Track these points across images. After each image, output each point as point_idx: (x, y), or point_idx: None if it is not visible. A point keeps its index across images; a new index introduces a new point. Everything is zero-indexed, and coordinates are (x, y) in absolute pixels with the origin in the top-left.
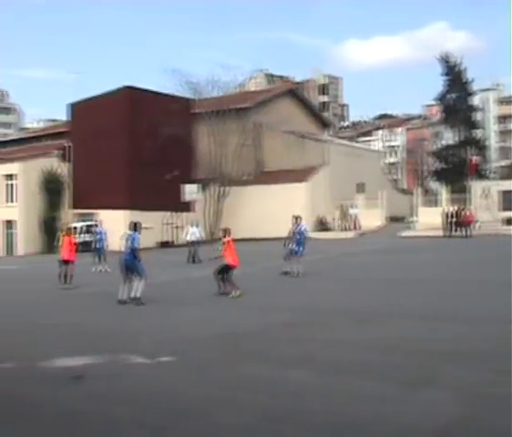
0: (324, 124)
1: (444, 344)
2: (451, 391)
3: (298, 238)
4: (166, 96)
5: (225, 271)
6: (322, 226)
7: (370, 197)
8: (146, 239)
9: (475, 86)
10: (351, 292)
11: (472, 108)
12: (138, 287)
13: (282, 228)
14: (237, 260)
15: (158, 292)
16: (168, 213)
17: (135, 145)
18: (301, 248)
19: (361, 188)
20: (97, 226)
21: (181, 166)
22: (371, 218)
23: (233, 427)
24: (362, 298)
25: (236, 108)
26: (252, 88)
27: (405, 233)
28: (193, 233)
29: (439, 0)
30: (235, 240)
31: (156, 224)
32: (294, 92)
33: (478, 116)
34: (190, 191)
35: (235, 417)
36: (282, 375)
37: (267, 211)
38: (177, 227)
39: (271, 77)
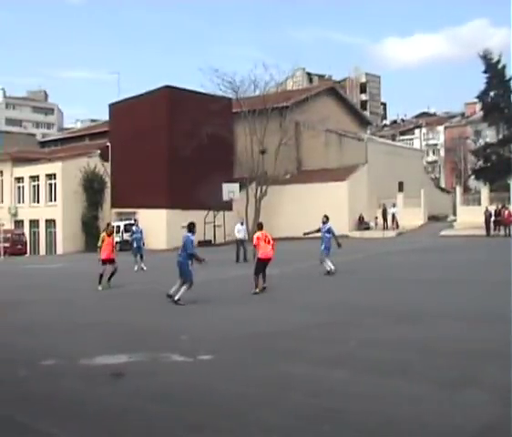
0: (365, 122)
1: (484, 344)
2: (491, 392)
3: (322, 236)
4: (205, 95)
5: (260, 267)
6: (362, 225)
7: (411, 195)
8: None
9: None
10: (389, 291)
11: None
12: (181, 291)
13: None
14: (266, 253)
15: (199, 291)
16: (209, 212)
17: (174, 144)
18: (322, 247)
19: (401, 186)
20: (133, 225)
21: (222, 165)
22: (412, 216)
23: (271, 426)
24: (400, 297)
25: (276, 107)
26: (291, 87)
27: (445, 232)
28: (239, 231)
29: None
30: (274, 239)
31: (196, 223)
32: (334, 90)
33: None
34: (230, 190)
35: (273, 416)
36: (320, 374)
37: (306, 210)
38: (215, 225)
39: (309, 76)
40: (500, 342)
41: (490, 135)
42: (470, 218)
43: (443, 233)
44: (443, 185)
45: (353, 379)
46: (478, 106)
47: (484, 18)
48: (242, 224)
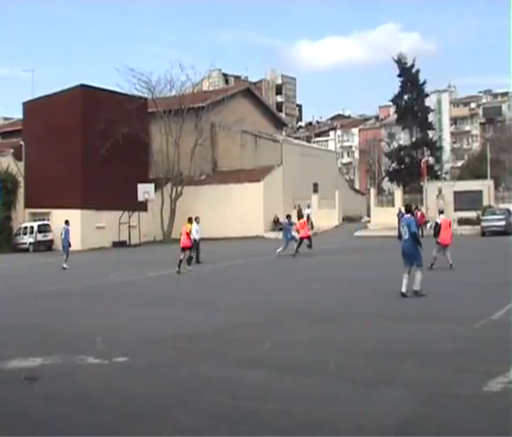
0: (280, 124)
1: (403, 344)
2: (408, 390)
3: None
4: (121, 94)
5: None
6: (278, 226)
7: (326, 196)
8: (100, 239)
9: (428, 88)
10: (308, 292)
11: (426, 110)
12: (418, 279)
13: (238, 228)
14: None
15: (118, 292)
16: (124, 212)
17: (89, 144)
18: None
19: (316, 187)
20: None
21: (137, 165)
22: (326, 217)
23: (188, 427)
24: (319, 298)
25: (192, 108)
26: (207, 88)
27: (360, 233)
28: (197, 231)
29: (389, 1)
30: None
31: (111, 223)
32: (250, 92)
33: (432, 117)
34: (145, 191)
35: (190, 418)
36: (240, 376)
37: (222, 211)
38: (129, 226)
39: (225, 77)
40: (415, 341)
41: (404, 137)
42: (384, 219)
43: (357, 234)
44: (357, 186)
45: (270, 379)
46: (392, 110)
47: (394, 23)
48: (199, 223)
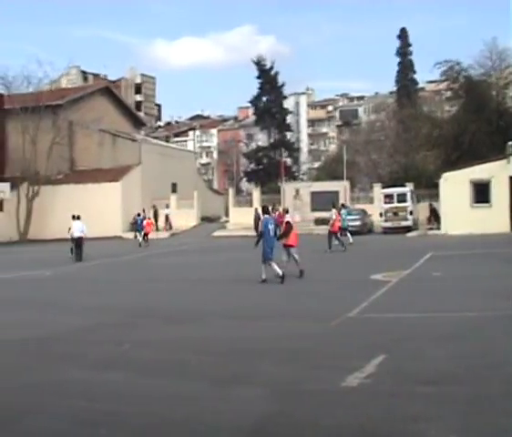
0: (139, 123)
1: (259, 342)
2: (265, 388)
3: None
4: None
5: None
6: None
7: (184, 197)
8: None
9: (286, 90)
10: (164, 292)
11: (284, 111)
12: (276, 268)
13: (95, 229)
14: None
15: None
16: None
17: None
18: None
19: (175, 187)
20: None
21: None
22: (185, 217)
23: (45, 432)
24: (176, 298)
25: (49, 105)
26: (65, 85)
27: (218, 233)
28: (78, 228)
29: (244, 3)
30: (45, 241)
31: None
32: (109, 90)
33: (290, 119)
34: (0, 190)
35: (49, 422)
36: (98, 378)
37: (80, 211)
38: None
39: (84, 75)
40: (271, 339)
41: (262, 139)
42: (242, 218)
43: (215, 234)
44: (216, 187)
45: (128, 381)
46: (251, 111)
47: (250, 25)
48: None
